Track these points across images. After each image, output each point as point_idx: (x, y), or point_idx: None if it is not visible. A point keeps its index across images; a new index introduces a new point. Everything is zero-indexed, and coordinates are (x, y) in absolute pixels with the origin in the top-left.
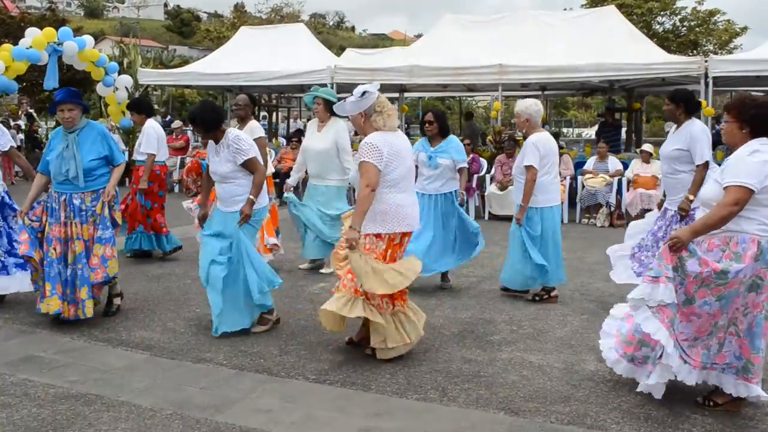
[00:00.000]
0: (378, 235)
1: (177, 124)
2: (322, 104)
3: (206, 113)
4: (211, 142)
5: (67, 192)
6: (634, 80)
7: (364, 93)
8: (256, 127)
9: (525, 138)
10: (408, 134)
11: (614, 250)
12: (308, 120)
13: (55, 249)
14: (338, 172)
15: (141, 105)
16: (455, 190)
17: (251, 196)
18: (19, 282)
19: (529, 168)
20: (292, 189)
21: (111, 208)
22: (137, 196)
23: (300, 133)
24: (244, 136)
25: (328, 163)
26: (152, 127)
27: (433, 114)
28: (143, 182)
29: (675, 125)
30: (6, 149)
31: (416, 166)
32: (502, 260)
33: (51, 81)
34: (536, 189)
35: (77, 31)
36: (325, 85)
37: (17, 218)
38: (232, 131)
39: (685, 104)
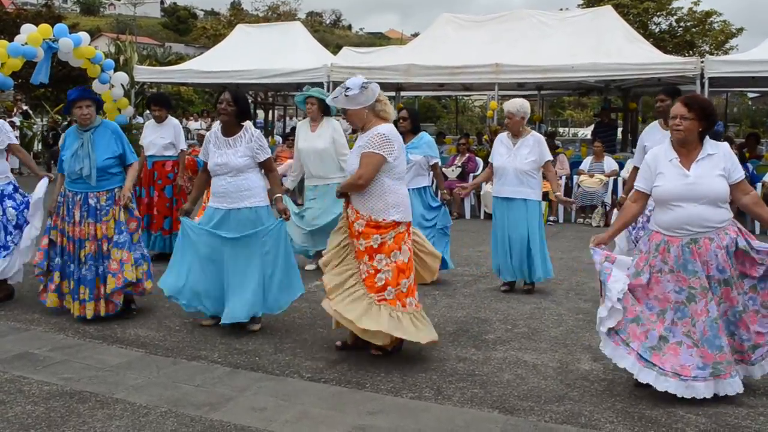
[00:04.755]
0: (399, 223)
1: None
2: (317, 104)
3: (246, 101)
4: (216, 135)
5: (82, 191)
6: (631, 80)
7: (364, 85)
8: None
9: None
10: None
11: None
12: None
13: (70, 246)
14: (340, 170)
15: (167, 100)
16: (425, 186)
17: (280, 195)
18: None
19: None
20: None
21: (128, 209)
22: (165, 193)
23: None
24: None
25: (329, 162)
26: (177, 123)
27: (407, 111)
28: (181, 179)
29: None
30: (4, 146)
31: None
32: None
33: (40, 75)
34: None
35: (73, 28)
36: (321, 84)
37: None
38: (252, 127)
39: None
